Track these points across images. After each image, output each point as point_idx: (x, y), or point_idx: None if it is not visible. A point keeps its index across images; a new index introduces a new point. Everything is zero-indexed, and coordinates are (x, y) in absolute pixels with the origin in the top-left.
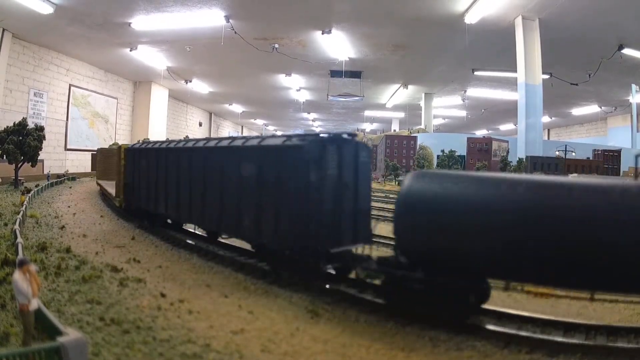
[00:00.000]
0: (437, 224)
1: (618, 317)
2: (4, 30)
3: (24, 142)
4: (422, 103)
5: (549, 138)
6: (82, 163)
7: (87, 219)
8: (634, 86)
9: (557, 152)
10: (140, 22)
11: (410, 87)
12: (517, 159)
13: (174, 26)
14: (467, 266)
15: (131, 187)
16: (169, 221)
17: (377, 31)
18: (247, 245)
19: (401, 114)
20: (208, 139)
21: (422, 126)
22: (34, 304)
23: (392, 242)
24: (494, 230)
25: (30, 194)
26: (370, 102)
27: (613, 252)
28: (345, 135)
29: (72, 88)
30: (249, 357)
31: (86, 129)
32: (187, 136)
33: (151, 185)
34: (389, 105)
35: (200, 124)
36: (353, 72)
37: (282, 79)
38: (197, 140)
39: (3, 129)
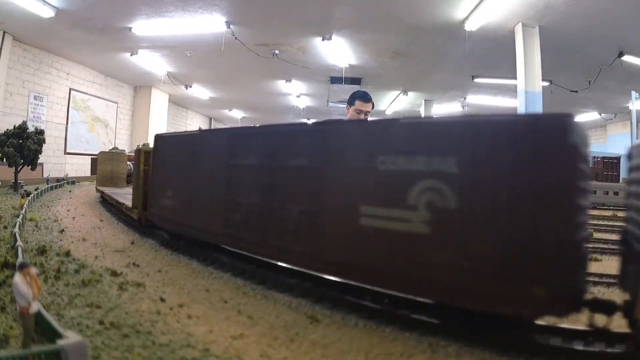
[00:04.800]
0: None
1: None
2: (4, 33)
3: (24, 145)
4: (421, 109)
5: None
6: (81, 167)
7: (86, 222)
8: (633, 93)
9: None
10: (141, 27)
11: (410, 93)
12: None
13: (175, 31)
14: None
15: None
16: None
17: (378, 38)
18: None
19: None
20: None
21: None
22: (34, 306)
23: None
24: None
25: (29, 197)
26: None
27: None
28: None
29: (72, 92)
30: None
31: (86, 133)
32: None
33: None
34: (388, 112)
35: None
36: (353, 79)
37: (282, 85)
38: None
39: (3, 132)
